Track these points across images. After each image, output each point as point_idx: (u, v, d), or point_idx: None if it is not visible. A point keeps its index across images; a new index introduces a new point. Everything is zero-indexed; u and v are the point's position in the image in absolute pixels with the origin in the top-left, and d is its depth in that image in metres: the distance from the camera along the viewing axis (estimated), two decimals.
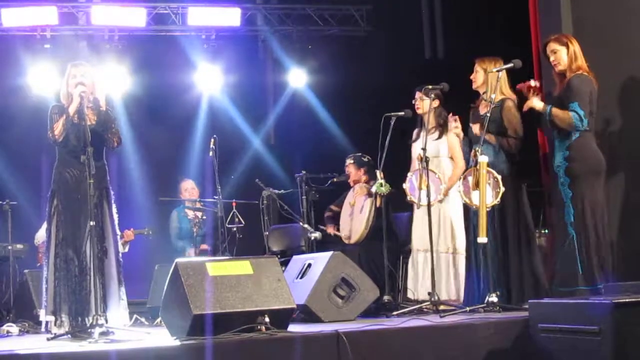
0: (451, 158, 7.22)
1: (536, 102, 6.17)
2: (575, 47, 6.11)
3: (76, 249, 5.75)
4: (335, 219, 8.51)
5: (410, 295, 7.22)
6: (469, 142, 6.61)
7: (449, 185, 7.03)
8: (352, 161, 8.38)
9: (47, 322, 5.78)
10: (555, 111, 6.04)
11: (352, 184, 8.39)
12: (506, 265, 6.30)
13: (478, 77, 6.63)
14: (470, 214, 6.48)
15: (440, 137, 7.21)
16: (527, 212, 6.44)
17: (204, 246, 8.99)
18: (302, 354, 4.71)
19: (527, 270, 6.31)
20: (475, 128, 6.47)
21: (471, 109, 6.73)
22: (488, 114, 6.23)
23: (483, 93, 6.56)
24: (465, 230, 6.68)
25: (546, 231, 8.30)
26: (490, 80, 6.46)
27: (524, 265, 6.32)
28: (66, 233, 5.77)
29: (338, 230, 8.42)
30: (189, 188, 9.28)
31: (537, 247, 6.57)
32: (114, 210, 5.96)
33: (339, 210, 8.48)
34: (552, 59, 6.18)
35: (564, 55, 6.12)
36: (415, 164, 7.24)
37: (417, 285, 7.15)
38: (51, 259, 5.78)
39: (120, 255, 5.94)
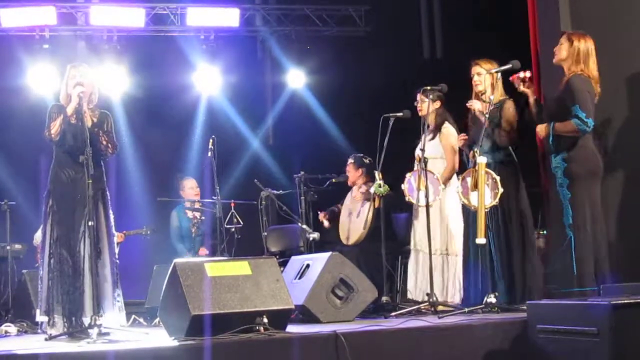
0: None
1: (539, 129, 6.18)
2: (580, 46, 6.06)
3: (70, 249, 5.73)
4: (336, 215, 8.48)
5: (410, 296, 7.21)
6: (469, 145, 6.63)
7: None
8: (352, 161, 8.36)
9: (42, 323, 5.77)
10: (558, 127, 6.03)
11: (349, 184, 8.38)
12: (510, 265, 6.30)
13: (483, 79, 6.60)
14: (468, 214, 6.48)
15: (433, 138, 7.21)
16: (529, 212, 6.45)
17: (203, 250, 8.98)
18: (300, 355, 4.71)
19: (530, 270, 6.33)
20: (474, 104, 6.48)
21: (469, 113, 6.73)
22: (487, 115, 6.23)
23: (482, 95, 6.55)
24: (466, 231, 6.68)
25: (544, 232, 8.30)
26: (490, 81, 6.48)
27: (526, 265, 6.33)
28: (60, 233, 5.76)
29: (329, 221, 8.44)
30: (193, 186, 9.26)
31: (537, 248, 6.58)
32: (110, 212, 5.95)
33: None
34: (555, 48, 6.17)
35: (564, 50, 6.11)
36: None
37: (417, 286, 7.15)
38: (46, 259, 5.78)
39: (117, 257, 5.93)
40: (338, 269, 6.17)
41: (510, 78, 6.35)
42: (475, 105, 6.52)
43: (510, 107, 6.47)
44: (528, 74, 6.30)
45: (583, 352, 4.50)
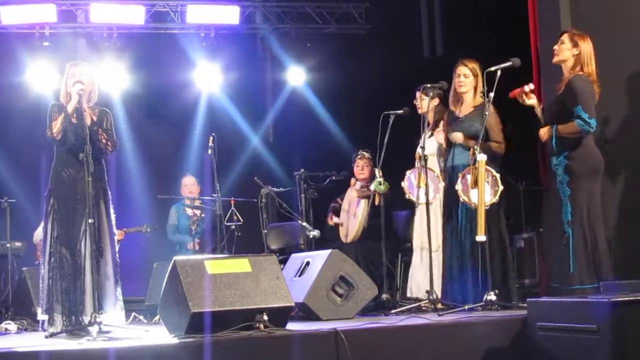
0: None
1: (542, 133, 6.15)
2: (585, 48, 6.03)
3: (70, 247, 5.73)
4: (338, 210, 8.46)
5: (416, 294, 7.18)
6: (449, 144, 6.62)
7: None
8: (371, 157, 8.14)
9: (42, 321, 5.77)
10: (561, 128, 5.99)
11: (364, 181, 8.22)
12: (491, 264, 6.32)
13: (468, 82, 6.60)
14: (450, 209, 6.50)
15: (432, 135, 7.20)
16: (502, 216, 6.47)
17: (192, 245, 8.98)
18: (300, 352, 4.71)
19: (504, 269, 6.37)
20: (457, 136, 6.48)
21: (448, 113, 6.74)
22: (487, 112, 6.21)
23: (481, 92, 6.52)
24: (444, 228, 6.68)
25: (542, 229, 8.30)
26: (473, 84, 6.50)
27: (502, 264, 6.37)
28: (61, 232, 5.75)
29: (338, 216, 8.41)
30: (188, 184, 9.27)
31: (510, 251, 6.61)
32: (112, 210, 5.95)
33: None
34: (555, 47, 6.14)
35: (567, 50, 6.08)
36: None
37: (419, 284, 7.15)
38: (46, 258, 5.77)
39: (117, 255, 5.93)
40: (338, 266, 6.18)
41: (511, 94, 6.30)
42: (456, 137, 6.52)
43: (493, 112, 6.42)
44: (531, 86, 6.27)
45: (583, 349, 4.51)
